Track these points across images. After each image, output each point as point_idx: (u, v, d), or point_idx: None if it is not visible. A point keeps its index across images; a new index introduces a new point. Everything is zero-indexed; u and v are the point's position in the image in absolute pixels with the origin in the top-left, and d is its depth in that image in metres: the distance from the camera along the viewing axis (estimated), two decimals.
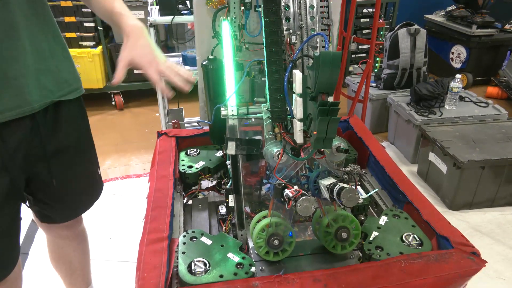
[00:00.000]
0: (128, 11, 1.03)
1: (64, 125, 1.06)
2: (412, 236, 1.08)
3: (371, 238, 1.08)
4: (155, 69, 0.94)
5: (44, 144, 1.02)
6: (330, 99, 0.82)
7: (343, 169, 0.99)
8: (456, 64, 3.86)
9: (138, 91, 3.64)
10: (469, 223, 2.12)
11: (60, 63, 1.02)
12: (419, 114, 2.58)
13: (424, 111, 2.61)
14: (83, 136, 1.16)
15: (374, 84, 3.08)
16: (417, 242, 1.06)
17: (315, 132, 0.81)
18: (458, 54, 3.81)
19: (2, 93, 0.90)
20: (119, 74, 0.91)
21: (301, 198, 0.87)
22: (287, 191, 0.91)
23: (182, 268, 0.96)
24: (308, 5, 0.97)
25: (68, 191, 1.14)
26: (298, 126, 0.89)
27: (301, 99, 0.88)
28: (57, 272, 1.40)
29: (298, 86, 0.88)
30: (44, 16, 0.98)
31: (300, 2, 0.97)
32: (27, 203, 1.11)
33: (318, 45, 0.96)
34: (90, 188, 1.23)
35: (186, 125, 2.60)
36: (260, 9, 1.23)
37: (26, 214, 1.17)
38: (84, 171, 1.19)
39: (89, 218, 1.41)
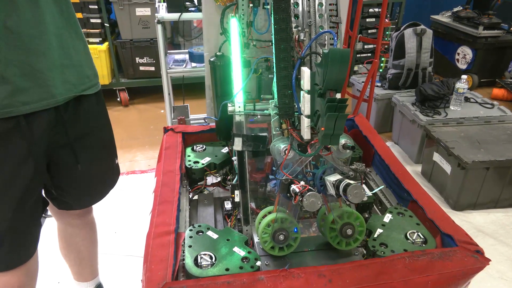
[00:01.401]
0: None
1: (85, 116, 1.12)
2: (416, 234, 1.09)
3: (375, 235, 1.09)
4: None
5: (67, 133, 1.08)
6: (338, 96, 0.83)
7: (349, 167, 1.00)
8: (462, 65, 3.85)
9: (144, 87, 3.66)
10: (472, 224, 2.12)
11: (82, 59, 1.08)
12: (424, 114, 2.58)
13: (429, 112, 2.61)
14: (103, 126, 1.22)
15: (379, 84, 3.09)
16: (421, 240, 1.07)
17: (322, 129, 0.82)
18: (464, 55, 3.80)
19: (29, 86, 0.96)
20: None
21: (308, 193, 0.88)
22: (293, 187, 0.92)
23: (189, 261, 0.97)
24: (317, 2, 0.98)
25: (90, 177, 1.20)
26: (305, 123, 0.90)
27: (309, 95, 0.89)
28: (65, 261, 1.44)
29: (306, 83, 0.89)
30: (68, 13, 1.03)
31: (309, 0, 0.98)
32: (43, 192, 1.15)
33: (326, 42, 0.97)
34: (108, 176, 1.29)
35: (191, 121, 2.61)
36: (268, 7, 1.24)
37: None
38: (104, 159, 1.25)
39: (94, 212, 1.43)
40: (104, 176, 1.27)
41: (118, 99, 3.55)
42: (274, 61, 0.94)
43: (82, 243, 1.39)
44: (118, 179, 1.33)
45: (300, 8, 0.97)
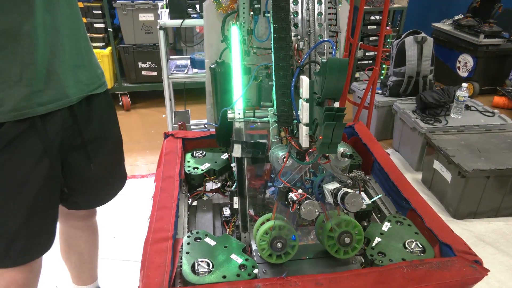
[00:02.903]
0: None
1: (97, 116, 1.14)
2: (414, 243, 1.09)
3: (373, 244, 1.08)
4: None
5: (81, 132, 1.10)
6: (336, 105, 0.84)
7: (348, 174, 1.01)
8: (463, 73, 3.86)
9: (145, 92, 3.67)
10: (473, 233, 2.11)
11: (91, 59, 1.11)
12: (424, 122, 2.58)
13: (430, 119, 2.61)
14: (114, 126, 1.24)
15: (380, 91, 3.09)
16: (419, 249, 1.07)
17: (320, 137, 0.82)
18: (465, 63, 3.81)
19: (45, 87, 0.98)
20: None
21: (305, 201, 0.89)
22: (291, 195, 0.92)
23: (186, 268, 0.97)
24: (316, 12, 0.99)
25: (102, 178, 1.22)
26: (304, 131, 0.91)
27: (308, 104, 0.89)
28: (66, 264, 1.44)
29: (305, 91, 0.89)
30: (78, 15, 1.06)
31: (308, 9, 0.99)
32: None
33: (325, 51, 0.98)
34: (118, 177, 1.31)
35: (192, 127, 2.62)
36: (268, 15, 1.25)
37: None
38: (116, 159, 1.27)
39: None
40: (114, 177, 1.29)
41: (120, 103, 3.57)
42: (273, 69, 0.95)
43: (84, 246, 1.40)
44: (125, 181, 1.35)
45: (299, 17, 0.98)
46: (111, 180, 1.28)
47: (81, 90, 1.07)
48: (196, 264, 0.98)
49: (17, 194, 1.00)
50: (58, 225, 1.35)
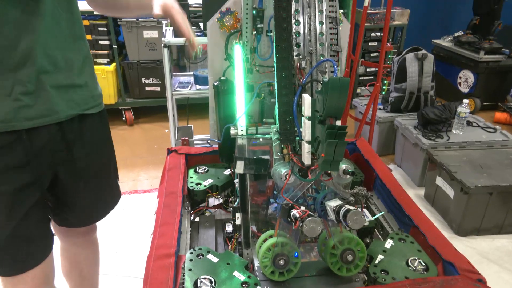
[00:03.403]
0: None
1: (89, 134, 1.15)
2: (417, 260, 1.08)
3: (376, 262, 1.08)
4: (180, 16, 1.13)
5: (71, 149, 1.11)
6: (338, 123, 0.85)
7: (350, 191, 1.01)
8: (464, 89, 3.88)
9: (148, 107, 3.71)
10: (476, 250, 2.09)
11: (88, 80, 1.12)
12: (426, 138, 2.58)
13: (431, 135, 2.62)
14: (105, 146, 1.25)
15: (381, 107, 3.11)
16: (422, 267, 1.06)
17: (322, 155, 0.83)
18: (466, 79, 3.84)
19: (34, 103, 1.00)
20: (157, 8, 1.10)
21: (308, 219, 0.89)
22: (294, 212, 0.93)
23: (189, 285, 0.97)
24: (318, 32, 1.01)
25: (91, 195, 1.22)
26: (306, 148, 0.92)
27: (310, 122, 0.91)
28: (66, 281, 1.43)
29: (307, 110, 0.91)
30: (81, 36, 1.08)
31: (310, 29, 1.01)
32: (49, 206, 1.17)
33: (327, 70, 1.00)
34: (108, 195, 1.30)
35: (195, 142, 2.64)
36: (271, 34, 1.28)
37: None
38: (105, 178, 1.27)
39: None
40: (104, 195, 1.29)
41: (124, 118, 3.60)
42: (276, 87, 0.97)
43: (85, 263, 1.39)
44: (119, 199, 1.35)
45: (301, 37, 1.00)
46: (101, 198, 1.27)
47: (72, 108, 1.08)
48: (198, 281, 0.98)
49: None
50: (59, 242, 1.36)
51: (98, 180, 1.23)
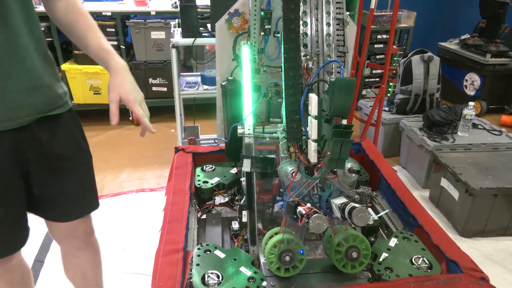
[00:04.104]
0: (113, 49, 1.12)
1: (60, 134, 1.13)
2: (421, 259, 1.10)
3: (380, 259, 1.10)
4: (138, 106, 1.07)
5: (41, 150, 1.09)
6: (344, 122, 0.87)
7: (355, 190, 1.03)
8: (470, 92, 3.88)
9: (155, 107, 3.74)
10: (481, 251, 2.09)
11: (50, 80, 1.09)
12: (431, 140, 2.59)
13: (437, 137, 2.62)
14: (80, 144, 1.21)
15: (387, 109, 3.12)
16: (426, 265, 1.08)
17: (329, 153, 0.85)
18: (472, 81, 3.83)
19: None
20: (115, 115, 1.04)
21: (314, 215, 0.91)
22: (300, 208, 0.95)
23: (196, 279, 0.99)
24: (325, 33, 1.03)
25: (70, 192, 1.19)
26: (312, 147, 0.94)
27: (316, 121, 0.93)
28: (71, 283, 1.45)
29: (313, 109, 0.93)
30: (39, 35, 1.05)
31: (317, 31, 1.03)
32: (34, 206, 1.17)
33: (333, 70, 1.02)
34: (85, 193, 1.26)
35: (201, 142, 2.67)
36: (278, 35, 1.31)
37: (43, 225, 1.25)
38: (83, 176, 1.23)
39: (103, 229, 1.45)
40: (81, 194, 1.24)
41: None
42: (283, 87, 0.99)
43: (86, 265, 1.39)
44: (95, 198, 1.30)
45: (309, 38, 1.02)
46: (78, 196, 1.23)
47: (37, 111, 1.05)
48: (206, 276, 1.00)
49: None
50: (58, 246, 1.37)
51: (75, 178, 1.20)
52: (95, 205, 1.30)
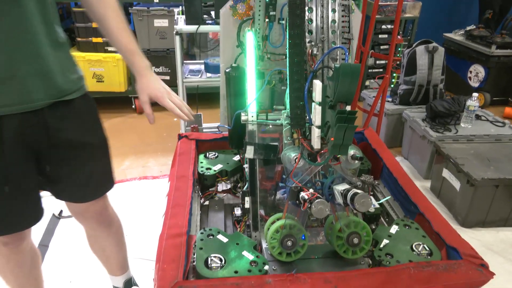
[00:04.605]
0: (139, 49, 1.18)
1: (74, 119, 1.14)
2: (422, 245, 1.11)
3: (381, 246, 1.11)
4: (168, 99, 1.18)
5: (54, 135, 1.10)
6: (348, 108, 0.87)
7: (357, 178, 1.04)
8: (474, 83, 3.86)
9: None
10: (481, 241, 2.11)
11: (63, 66, 1.09)
12: (434, 131, 2.59)
13: (439, 128, 2.62)
14: (94, 128, 1.22)
15: (390, 99, 3.11)
16: (426, 252, 1.09)
17: (332, 139, 0.86)
18: (477, 73, 3.81)
19: (9, 90, 0.99)
20: (150, 114, 1.19)
21: (316, 200, 0.92)
22: (303, 194, 0.96)
23: (199, 263, 1.01)
24: (330, 19, 1.03)
25: (83, 177, 1.21)
26: (316, 133, 0.95)
27: (320, 107, 0.93)
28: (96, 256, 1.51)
29: (318, 95, 0.93)
30: (53, 21, 1.06)
31: (322, 17, 1.03)
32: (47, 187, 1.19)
33: (338, 57, 1.02)
34: (98, 175, 1.27)
35: (204, 130, 2.67)
36: (283, 22, 1.30)
37: (47, 211, 1.26)
38: (97, 161, 1.25)
39: None
40: (94, 176, 1.26)
41: (133, 106, 3.64)
42: (287, 73, 0.99)
43: (105, 243, 1.43)
44: (111, 180, 1.32)
45: (314, 24, 1.02)
46: (91, 179, 1.25)
47: (51, 95, 1.06)
48: (209, 259, 1.02)
49: None
50: (70, 223, 1.40)
51: (89, 164, 1.22)
52: (109, 186, 1.32)
